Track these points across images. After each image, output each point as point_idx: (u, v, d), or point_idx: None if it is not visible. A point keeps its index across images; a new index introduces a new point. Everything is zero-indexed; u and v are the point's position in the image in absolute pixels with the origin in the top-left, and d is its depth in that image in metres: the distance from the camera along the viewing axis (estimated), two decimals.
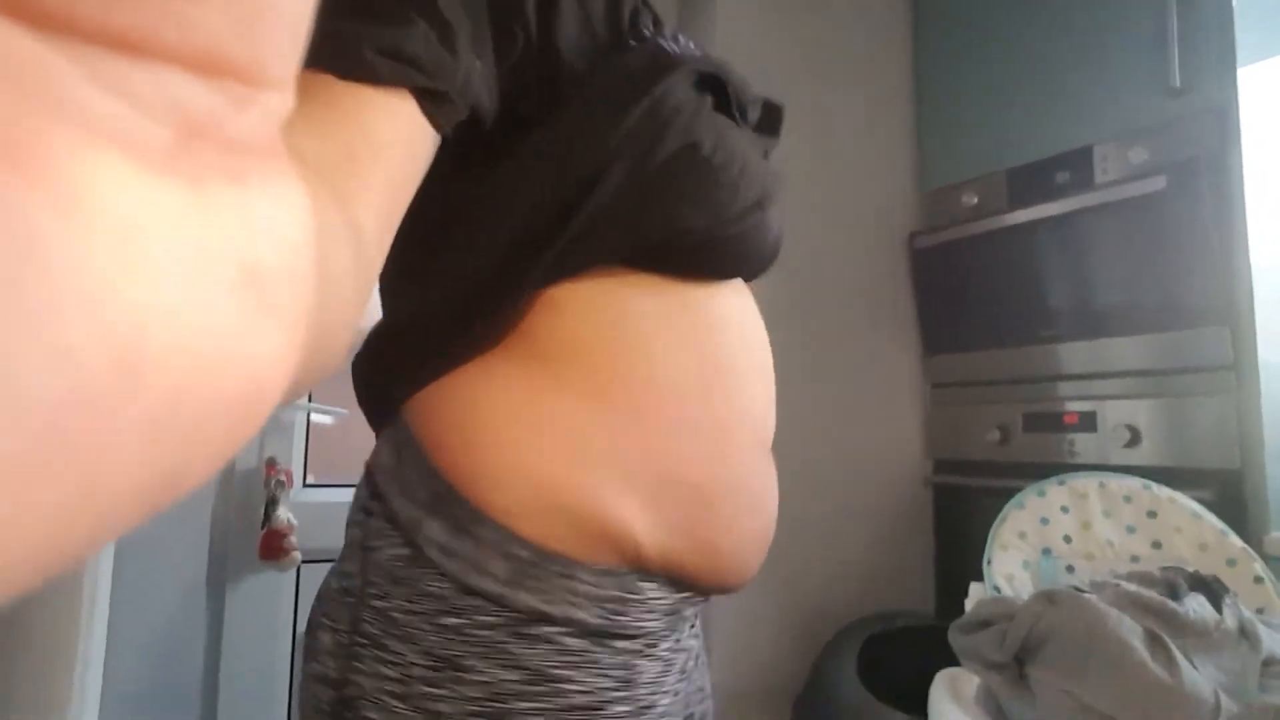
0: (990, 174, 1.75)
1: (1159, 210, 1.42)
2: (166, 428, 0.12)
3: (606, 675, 0.48)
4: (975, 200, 1.77)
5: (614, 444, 0.48)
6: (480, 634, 0.45)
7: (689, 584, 0.52)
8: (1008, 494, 1.24)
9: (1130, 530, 1.14)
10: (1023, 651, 0.94)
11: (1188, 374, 1.40)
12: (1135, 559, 1.13)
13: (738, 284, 0.57)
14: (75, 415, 0.11)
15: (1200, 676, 0.87)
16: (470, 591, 0.46)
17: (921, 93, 1.96)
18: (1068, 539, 1.18)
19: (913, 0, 2.00)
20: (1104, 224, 1.52)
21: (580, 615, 0.47)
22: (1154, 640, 0.89)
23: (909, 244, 1.87)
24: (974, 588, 1.21)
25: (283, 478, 1.38)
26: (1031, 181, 1.67)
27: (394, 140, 0.35)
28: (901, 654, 1.42)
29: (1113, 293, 1.52)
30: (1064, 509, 1.19)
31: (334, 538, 1.53)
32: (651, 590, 0.50)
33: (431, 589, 0.46)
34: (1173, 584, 1.00)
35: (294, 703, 1.40)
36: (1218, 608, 0.97)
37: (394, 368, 0.53)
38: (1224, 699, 0.87)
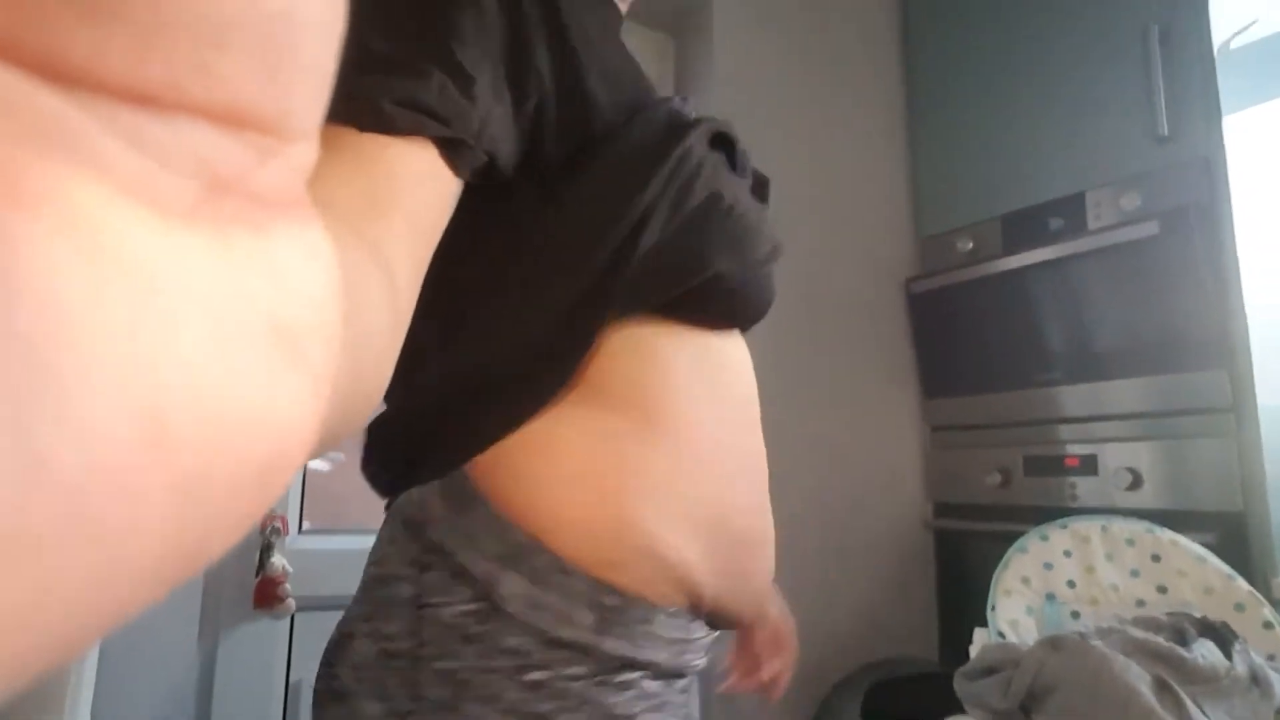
0: (985, 220, 1.78)
1: (1152, 255, 1.44)
2: (192, 499, 0.12)
3: (677, 714, 0.51)
4: (970, 245, 1.79)
5: (679, 488, 0.50)
6: (568, 685, 0.45)
7: (723, 623, 0.55)
8: (1010, 538, 1.23)
9: (1134, 574, 1.13)
10: (1028, 699, 0.93)
11: (1187, 416, 1.40)
12: (1141, 604, 1.12)
13: (736, 334, 0.59)
14: (99, 491, 0.10)
15: None
16: (557, 644, 0.45)
17: (916, 141, 2.00)
18: (1071, 584, 1.16)
19: (904, 50, 2.04)
20: (1098, 269, 1.53)
21: (660, 658, 0.48)
22: (1162, 687, 0.87)
23: (905, 289, 1.88)
24: (978, 634, 1.19)
25: (278, 524, 1.37)
26: (1025, 227, 1.69)
27: (416, 187, 0.36)
28: (906, 701, 1.39)
29: (1109, 336, 1.53)
30: (1067, 553, 1.18)
31: (329, 585, 1.51)
32: (698, 630, 0.52)
33: (511, 644, 0.45)
34: (1180, 629, 0.99)
35: None
36: (1227, 654, 0.95)
37: (442, 428, 0.51)
38: None
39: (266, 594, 1.33)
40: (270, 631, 1.38)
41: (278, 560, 1.34)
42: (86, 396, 0.10)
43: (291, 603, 1.35)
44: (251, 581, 1.34)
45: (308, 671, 1.38)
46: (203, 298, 0.12)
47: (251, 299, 0.12)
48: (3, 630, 0.09)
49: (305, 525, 1.47)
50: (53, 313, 0.10)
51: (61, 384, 0.10)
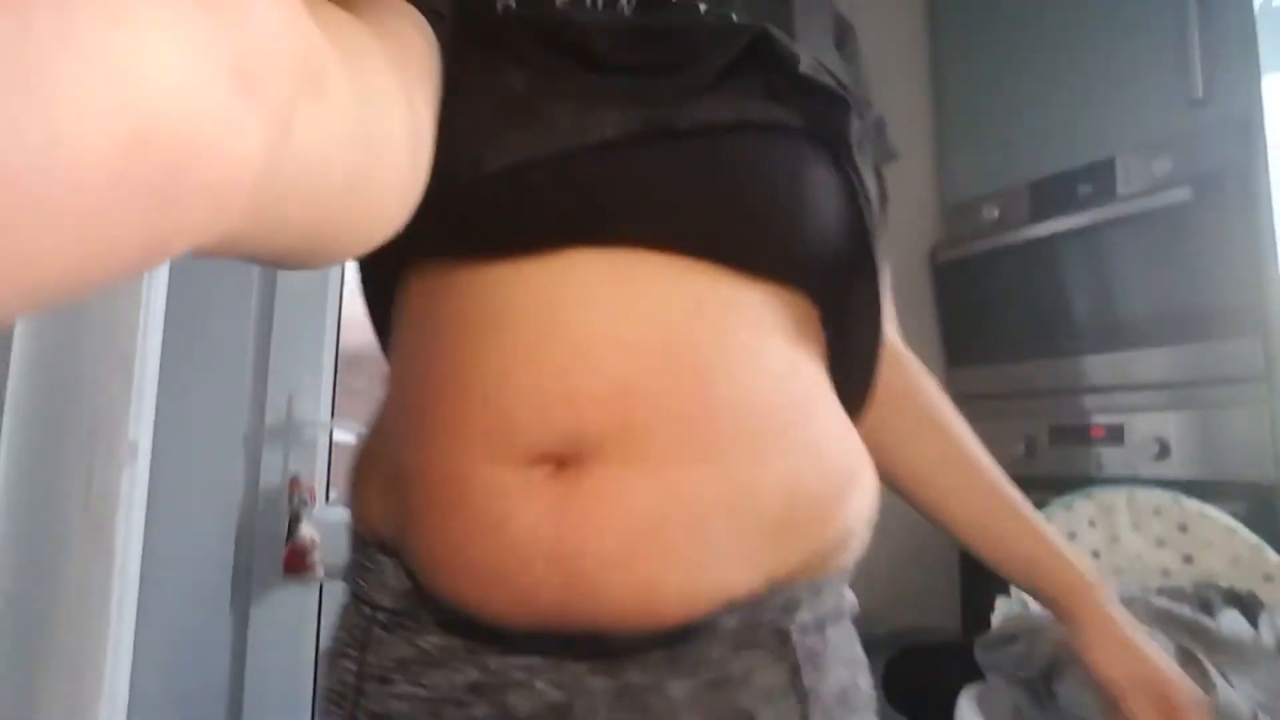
0: (1012, 187, 1.74)
1: (1184, 221, 1.41)
2: (164, 196, 0.15)
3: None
4: (997, 213, 1.76)
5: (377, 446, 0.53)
6: None
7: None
8: (1035, 508, 1.22)
9: (1160, 544, 1.12)
10: (1050, 668, 0.92)
11: (1218, 385, 1.38)
12: (1166, 574, 1.11)
13: (588, 265, 0.45)
14: (89, 177, 0.13)
15: (1237, 694, 0.85)
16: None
17: (942, 107, 1.96)
18: (1095, 554, 1.16)
19: (931, 15, 2.00)
20: (1128, 236, 1.50)
21: None
22: (1186, 657, 0.87)
23: (931, 258, 1.86)
24: (1000, 603, 1.19)
25: (306, 494, 1.39)
26: (1053, 194, 1.65)
27: (417, 39, 0.41)
28: (927, 671, 1.40)
29: (1139, 304, 1.50)
30: (1091, 523, 1.17)
31: None
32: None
33: None
34: (1206, 600, 0.98)
35: (316, 715, 1.40)
36: (1254, 624, 0.94)
37: None
38: (1262, 717, 0.85)
39: (296, 562, 1.36)
40: (300, 598, 1.41)
41: (306, 529, 1.37)
42: (83, 100, 0.13)
43: (320, 570, 1.38)
44: (281, 550, 1.37)
45: None
46: (173, 30, 0.15)
47: (223, 33, 0.16)
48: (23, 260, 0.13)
49: (332, 495, 1.50)
50: (61, 22, 0.12)
51: (68, 79, 0.13)
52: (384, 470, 0.50)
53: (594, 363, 0.43)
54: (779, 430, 0.47)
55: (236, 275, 1.38)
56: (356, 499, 0.53)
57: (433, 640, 0.48)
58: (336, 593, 1.42)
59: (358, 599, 0.52)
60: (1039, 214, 1.66)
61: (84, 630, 0.86)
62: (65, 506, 0.87)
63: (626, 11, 0.49)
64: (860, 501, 0.52)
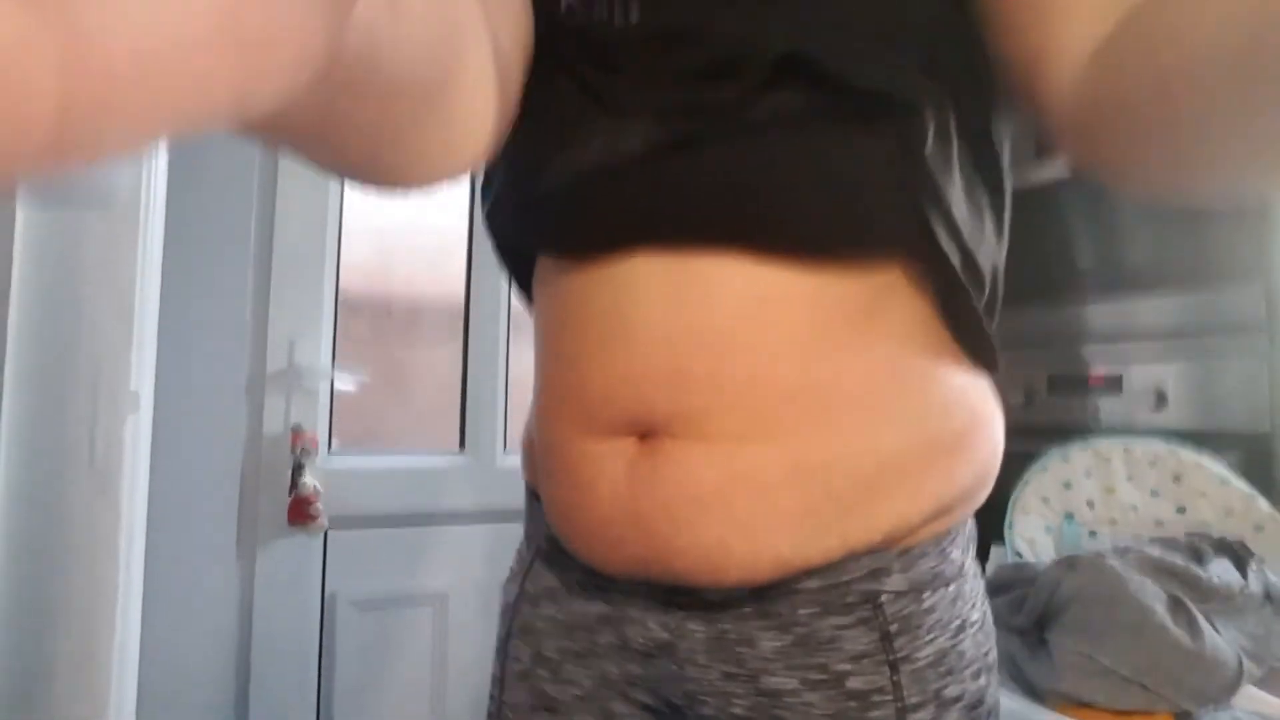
0: (1016, 131, 1.71)
1: None
2: (253, 58, 0.17)
3: None
4: None
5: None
6: None
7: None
8: (1030, 457, 1.23)
9: (1155, 495, 1.14)
10: (1043, 616, 0.94)
11: (1218, 335, 1.38)
12: (1159, 524, 1.12)
13: (649, 262, 0.49)
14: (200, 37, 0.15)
15: (1223, 640, 0.87)
16: None
17: None
18: (1090, 504, 1.17)
19: None
20: None
21: None
22: (1177, 605, 0.89)
23: None
24: (994, 551, 1.21)
25: (308, 444, 1.40)
26: None
27: None
28: None
29: (1140, 251, 1.49)
30: (1088, 473, 1.18)
31: (359, 503, 1.56)
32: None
33: None
34: (1197, 549, 1.00)
35: (323, 661, 1.44)
36: (1243, 573, 0.96)
37: None
38: (1247, 663, 0.87)
39: (299, 512, 1.38)
40: (305, 547, 1.43)
41: (309, 479, 1.38)
42: None
43: (324, 520, 1.39)
44: (285, 500, 1.38)
45: (341, 585, 1.45)
46: None
47: None
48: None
49: (334, 445, 1.51)
50: None
51: None
52: (528, 433, 0.60)
53: (649, 352, 0.48)
54: (841, 408, 0.48)
55: (233, 222, 1.36)
56: (523, 453, 0.62)
57: (574, 575, 0.56)
58: (341, 541, 1.44)
59: (525, 534, 0.64)
60: (1043, 156, 1.63)
61: (93, 580, 0.88)
62: (70, 458, 0.88)
63: (634, 18, 0.49)
64: (963, 469, 0.52)
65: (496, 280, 1.62)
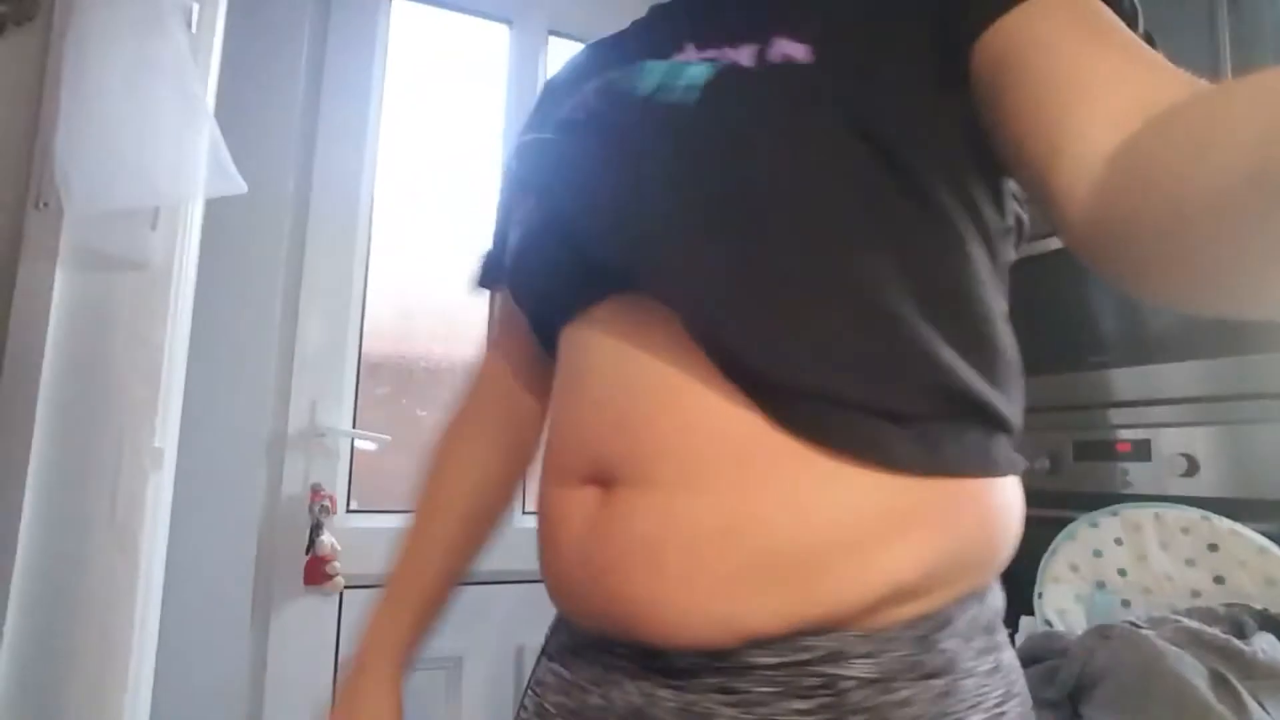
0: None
1: None
2: None
3: None
4: None
5: None
6: None
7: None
8: (1058, 524, 1.21)
9: (1190, 564, 1.10)
10: (1076, 689, 0.91)
11: (1248, 400, 1.35)
12: (1196, 594, 1.09)
13: (604, 319, 0.53)
14: None
15: None
16: None
17: None
18: (1123, 572, 1.14)
19: None
20: None
21: None
22: (1219, 681, 0.85)
23: None
24: (1024, 622, 1.17)
25: (327, 503, 1.40)
26: None
27: None
28: None
29: (1166, 317, 1.48)
30: (1118, 540, 1.15)
31: (377, 563, 1.54)
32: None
33: None
34: (1239, 622, 0.96)
35: None
36: None
37: None
38: None
39: (316, 572, 1.37)
40: (320, 607, 1.42)
41: (326, 538, 1.38)
42: None
43: (340, 580, 1.38)
44: (302, 560, 1.37)
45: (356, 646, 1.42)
46: None
47: None
48: None
49: (353, 504, 1.51)
50: None
51: None
52: None
53: (600, 404, 0.51)
54: (776, 462, 0.46)
55: (260, 284, 1.39)
56: None
57: (581, 636, 0.56)
58: (358, 601, 1.43)
59: None
60: None
61: (109, 635, 0.87)
62: (92, 513, 0.88)
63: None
64: (934, 544, 0.47)
65: None
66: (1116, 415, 1.55)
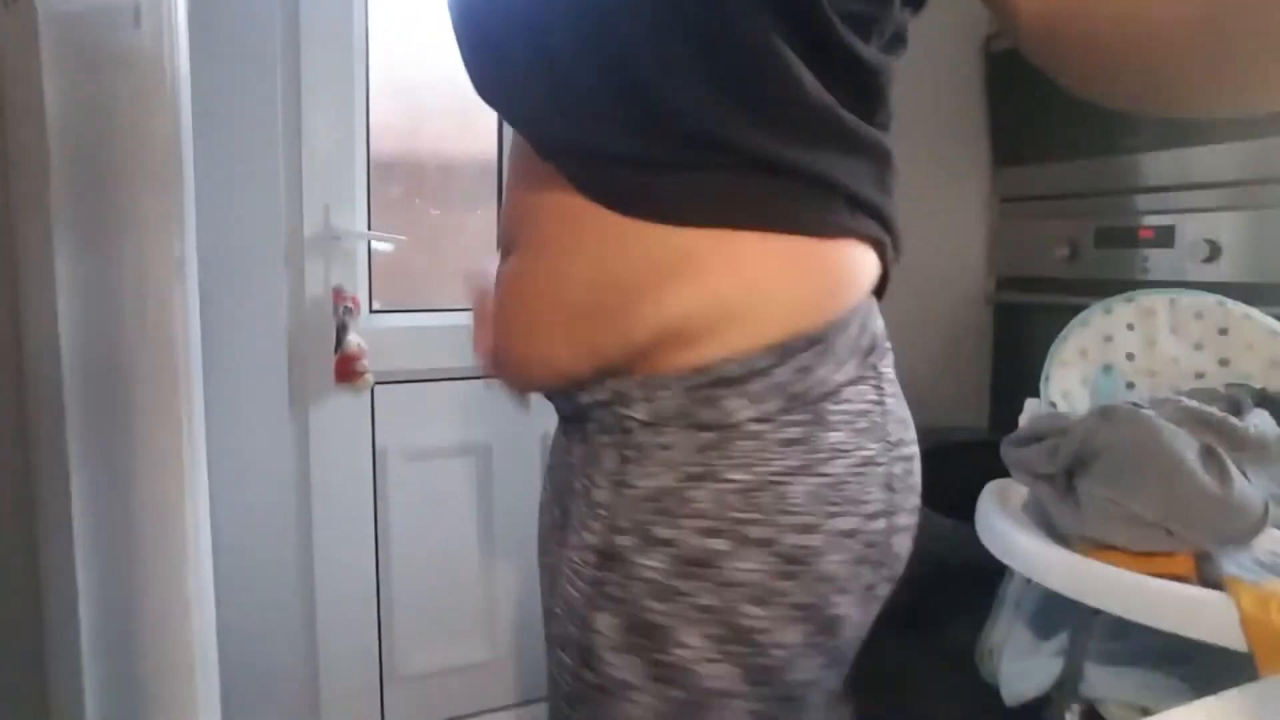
0: None
1: None
2: None
3: None
4: None
5: None
6: None
7: None
8: (1074, 311, 1.22)
9: (1197, 348, 1.12)
10: (1073, 464, 0.96)
11: (1273, 184, 1.31)
12: (1200, 376, 1.11)
13: None
14: None
15: (1252, 488, 0.88)
16: None
17: None
18: (1130, 356, 1.16)
19: None
20: None
21: None
22: (1209, 453, 0.89)
23: (984, 47, 1.73)
24: (1029, 404, 1.21)
25: (350, 304, 1.43)
26: None
27: None
28: (955, 468, 1.46)
29: None
30: (1130, 326, 1.16)
31: (402, 359, 1.60)
32: None
33: None
34: (1236, 401, 0.99)
35: (378, 508, 1.53)
36: None
37: None
38: (1274, 509, 0.88)
39: (346, 370, 1.42)
40: (354, 403, 1.49)
41: (353, 338, 1.42)
42: None
43: (370, 377, 1.44)
44: (331, 360, 1.43)
45: (391, 438, 1.51)
46: None
47: None
48: None
49: (375, 305, 1.54)
50: None
51: None
52: None
53: (505, 190, 0.62)
54: (581, 222, 0.51)
55: (258, 86, 1.33)
56: None
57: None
58: (388, 395, 1.50)
59: None
60: None
61: (158, 444, 0.93)
62: (126, 326, 0.91)
63: None
64: (687, 293, 0.48)
65: None
66: (1142, 201, 1.51)
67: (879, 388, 0.53)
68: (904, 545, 0.54)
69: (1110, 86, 0.47)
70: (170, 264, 0.93)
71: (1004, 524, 1.00)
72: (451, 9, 0.57)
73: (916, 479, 0.56)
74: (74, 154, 0.87)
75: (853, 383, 0.51)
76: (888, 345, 0.57)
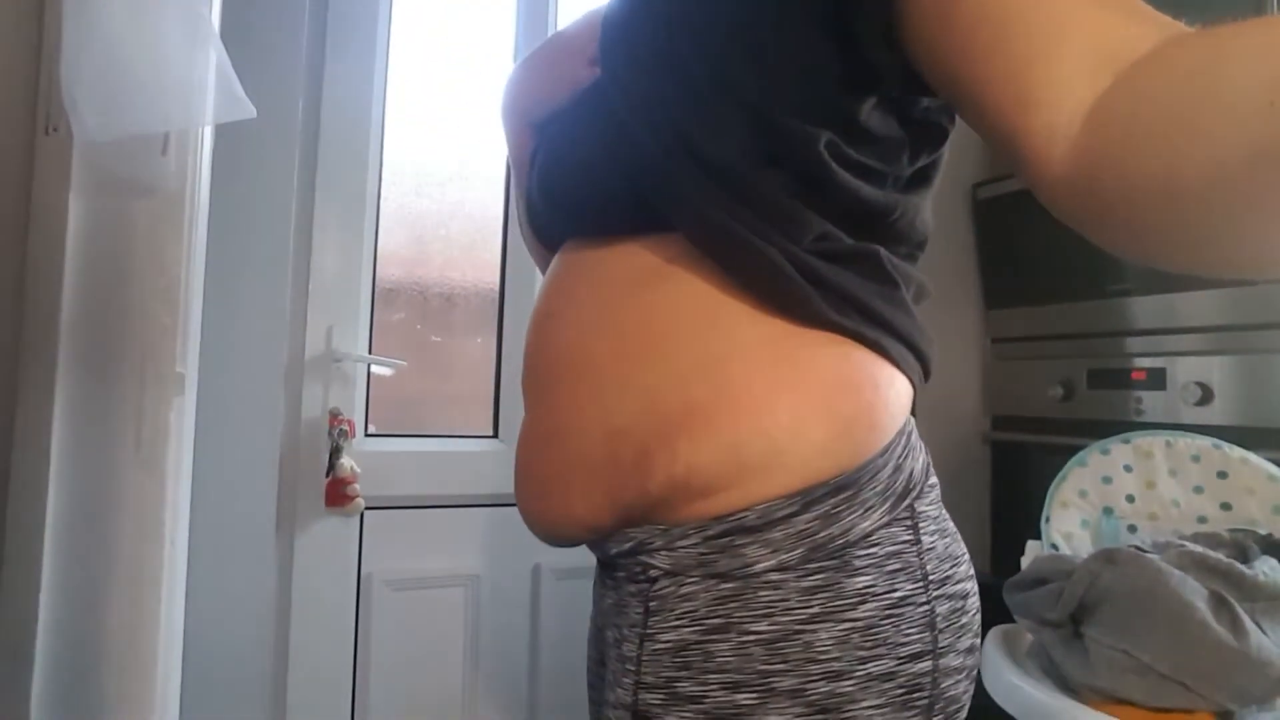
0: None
1: None
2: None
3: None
4: None
5: None
6: None
7: None
8: (1069, 451, 1.21)
9: (1198, 490, 1.11)
10: (1079, 610, 0.93)
11: (1265, 330, 1.34)
12: (1202, 520, 1.10)
13: (569, 245, 0.61)
14: None
15: (1269, 641, 0.85)
16: None
17: None
18: (1130, 498, 1.15)
19: None
20: None
21: None
22: (1219, 602, 0.87)
23: (971, 195, 1.81)
24: (1031, 545, 1.19)
25: (345, 427, 1.42)
26: None
27: None
28: None
29: None
30: (1127, 467, 1.16)
31: (395, 485, 1.57)
32: None
33: None
34: (1242, 546, 0.98)
35: (359, 638, 1.46)
36: None
37: None
38: None
39: (336, 493, 1.40)
40: (342, 528, 1.46)
41: (346, 461, 1.40)
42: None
43: (360, 501, 1.41)
44: (323, 482, 1.41)
45: (378, 565, 1.47)
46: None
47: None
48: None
49: (371, 429, 1.53)
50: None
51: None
52: None
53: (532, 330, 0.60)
54: (594, 373, 0.52)
55: (273, 210, 1.38)
56: None
57: None
58: (377, 522, 1.47)
59: None
60: None
61: (140, 558, 0.90)
62: (118, 439, 0.90)
63: None
64: (707, 444, 0.48)
65: (531, 268, 1.63)
66: (1133, 344, 1.54)
67: (913, 527, 0.51)
68: (960, 687, 0.50)
69: (1158, 249, 0.40)
70: (170, 380, 0.94)
71: (1013, 676, 0.96)
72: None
73: (970, 617, 0.53)
74: (89, 270, 0.89)
75: (883, 527, 0.49)
76: (932, 481, 0.55)
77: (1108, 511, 1.16)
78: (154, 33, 0.87)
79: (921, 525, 0.51)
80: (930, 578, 0.50)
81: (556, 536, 0.57)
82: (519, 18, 1.69)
